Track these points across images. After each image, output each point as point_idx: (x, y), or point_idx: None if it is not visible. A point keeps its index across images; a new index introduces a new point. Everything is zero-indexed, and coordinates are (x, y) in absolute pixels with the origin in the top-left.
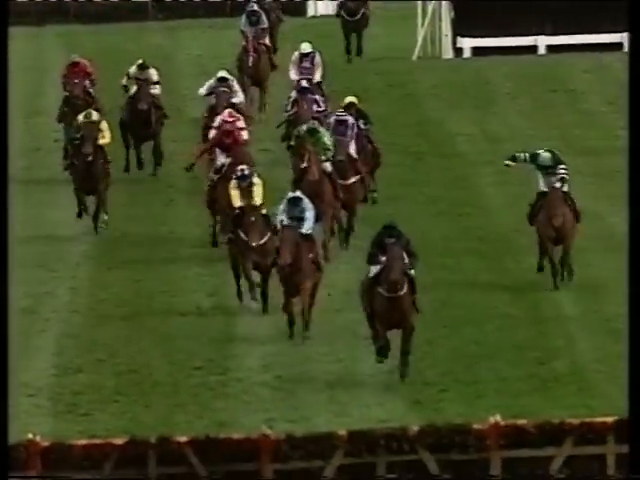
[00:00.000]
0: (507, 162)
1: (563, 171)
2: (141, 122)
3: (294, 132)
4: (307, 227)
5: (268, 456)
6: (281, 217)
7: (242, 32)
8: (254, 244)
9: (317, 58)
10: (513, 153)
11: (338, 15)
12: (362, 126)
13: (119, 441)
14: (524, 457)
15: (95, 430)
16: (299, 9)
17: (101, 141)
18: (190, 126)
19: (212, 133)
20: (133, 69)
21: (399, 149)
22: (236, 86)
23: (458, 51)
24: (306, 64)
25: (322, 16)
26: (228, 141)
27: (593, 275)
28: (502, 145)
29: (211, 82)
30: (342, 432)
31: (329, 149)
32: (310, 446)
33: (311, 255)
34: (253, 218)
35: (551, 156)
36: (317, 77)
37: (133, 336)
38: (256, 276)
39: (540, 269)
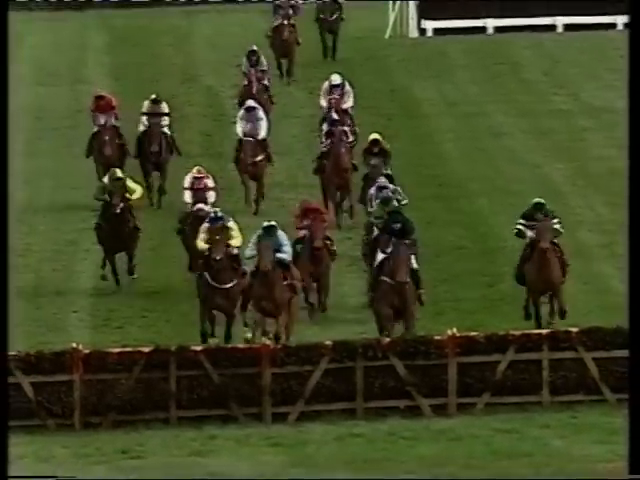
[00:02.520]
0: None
1: (558, 225)
2: (151, 163)
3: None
4: (286, 255)
5: (267, 362)
6: (251, 252)
7: (244, 73)
8: (219, 286)
9: (347, 87)
10: (518, 229)
11: (317, 19)
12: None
13: (146, 349)
14: (475, 362)
15: (127, 340)
16: None
17: (133, 196)
18: (203, 92)
19: (186, 195)
20: (146, 104)
21: (373, 111)
22: (261, 113)
23: (422, 31)
24: (335, 94)
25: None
26: None
27: None
28: (458, 108)
29: (241, 113)
30: (328, 342)
31: (402, 207)
32: (302, 354)
33: (286, 282)
34: (219, 258)
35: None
36: (347, 104)
37: (158, 264)
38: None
39: (527, 316)
